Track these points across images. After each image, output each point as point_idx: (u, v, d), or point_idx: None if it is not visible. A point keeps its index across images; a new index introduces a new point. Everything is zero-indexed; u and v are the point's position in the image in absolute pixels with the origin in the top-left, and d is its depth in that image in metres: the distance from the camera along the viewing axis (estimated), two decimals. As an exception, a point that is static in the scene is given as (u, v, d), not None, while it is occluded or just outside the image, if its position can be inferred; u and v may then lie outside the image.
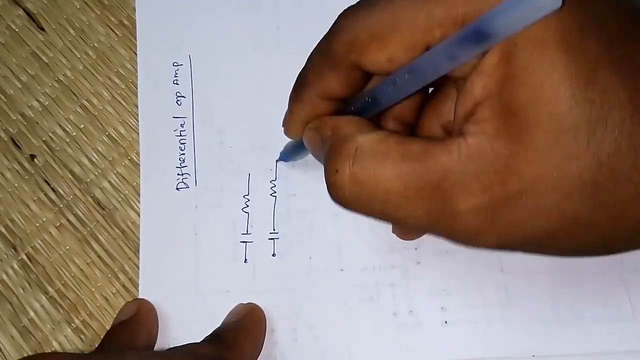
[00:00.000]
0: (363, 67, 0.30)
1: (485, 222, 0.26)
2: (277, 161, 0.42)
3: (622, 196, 0.25)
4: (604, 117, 0.24)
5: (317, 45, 0.32)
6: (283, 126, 0.36)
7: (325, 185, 0.29)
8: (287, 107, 0.35)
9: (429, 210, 0.27)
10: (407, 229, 0.31)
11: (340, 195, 0.29)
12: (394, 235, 0.38)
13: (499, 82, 0.25)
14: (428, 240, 0.39)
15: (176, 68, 0.44)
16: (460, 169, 0.25)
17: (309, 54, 0.32)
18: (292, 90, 0.34)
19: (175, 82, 0.44)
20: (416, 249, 0.39)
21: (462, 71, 0.27)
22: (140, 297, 0.40)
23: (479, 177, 0.25)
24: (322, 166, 0.40)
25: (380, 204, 0.28)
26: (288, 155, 0.41)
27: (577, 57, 0.24)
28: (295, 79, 0.34)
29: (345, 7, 0.30)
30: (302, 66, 0.33)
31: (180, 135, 0.43)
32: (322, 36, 0.31)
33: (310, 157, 0.40)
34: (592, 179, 0.24)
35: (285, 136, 0.36)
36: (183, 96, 0.43)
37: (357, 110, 0.32)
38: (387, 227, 0.39)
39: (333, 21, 0.30)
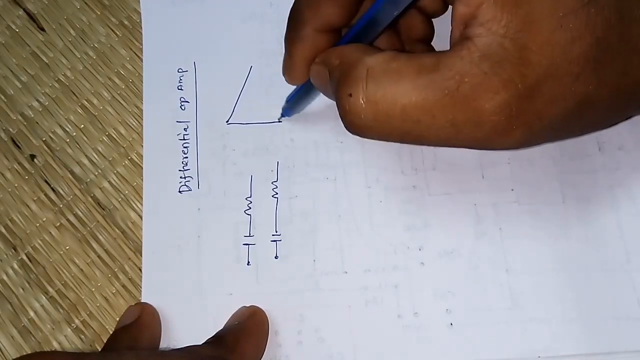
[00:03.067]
0: None
1: (511, 117, 0.27)
2: (279, 119, 0.42)
3: (617, 69, 0.27)
4: None
5: None
6: (284, 74, 0.35)
7: (339, 114, 0.29)
8: (285, 52, 0.34)
9: (452, 118, 0.27)
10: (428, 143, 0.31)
11: (356, 120, 0.29)
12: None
13: None
14: (432, 242, 0.39)
15: (181, 74, 0.44)
16: (477, 70, 0.26)
17: None
18: (288, 31, 0.34)
19: (179, 87, 0.44)
20: (420, 249, 0.39)
21: None
22: (142, 300, 0.40)
23: (497, 73, 0.26)
24: (322, 167, 0.41)
25: (400, 121, 0.28)
26: (290, 107, 0.41)
27: None
28: (288, 19, 0.33)
29: None
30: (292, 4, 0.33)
31: (184, 139, 0.43)
32: None
33: (311, 157, 0.41)
34: (594, 56, 0.26)
35: (288, 83, 0.37)
36: (187, 101, 0.44)
37: (355, 39, 0.32)
38: (390, 228, 0.40)
39: None
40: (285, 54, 0.35)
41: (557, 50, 0.26)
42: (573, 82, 0.26)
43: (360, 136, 0.30)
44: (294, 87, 0.39)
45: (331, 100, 0.32)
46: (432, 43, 0.37)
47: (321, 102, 0.40)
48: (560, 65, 0.26)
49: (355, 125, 0.29)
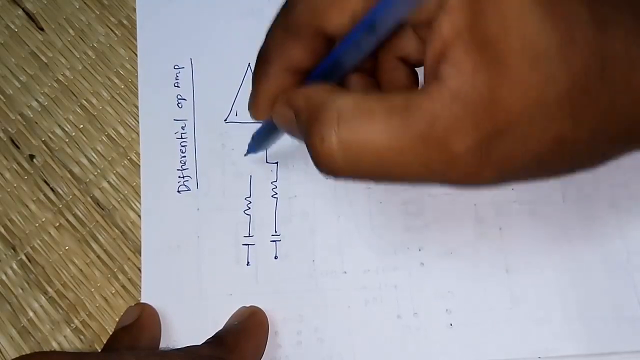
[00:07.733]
0: (327, 31, 0.30)
1: (481, 159, 0.26)
2: (245, 155, 0.41)
3: (596, 112, 0.26)
4: (571, 38, 0.25)
5: (275, 19, 0.32)
6: (249, 109, 0.35)
7: (310, 157, 0.28)
8: (252, 88, 0.34)
9: (424, 160, 0.27)
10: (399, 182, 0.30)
11: (330, 163, 0.28)
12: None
13: (467, 18, 0.25)
14: (432, 242, 0.39)
15: (177, 71, 0.44)
16: (447, 113, 0.26)
17: (267, 30, 0.32)
18: (255, 68, 0.33)
19: (176, 84, 0.44)
20: (420, 250, 0.39)
21: (424, 16, 0.27)
22: (142, 300, 0.40)
23: (467, 116, 0.25)
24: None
25: (373, 164, 0.27)
26: (257, 144, 0.40)
27: None
28: (257, 57, 0.33)
29: None
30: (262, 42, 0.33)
31: (182, 138, 0.43)
32: (279, 10, 0.32)
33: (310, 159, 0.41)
34: (570, 99, 0.25)
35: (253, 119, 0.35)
36: (184, 99, 0.43)
37: (321, 78, 0.31)
38: (390, 228, 0.40)
39: None
40: (252, 90, 0.34)
41: (529, 93, 0.25)
42: (547, 123, 0.26)
43: (334, 178, 0.29)
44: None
45: None
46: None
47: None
48: (532, 107, 0.25)
49: (329, 167, 0.28)
